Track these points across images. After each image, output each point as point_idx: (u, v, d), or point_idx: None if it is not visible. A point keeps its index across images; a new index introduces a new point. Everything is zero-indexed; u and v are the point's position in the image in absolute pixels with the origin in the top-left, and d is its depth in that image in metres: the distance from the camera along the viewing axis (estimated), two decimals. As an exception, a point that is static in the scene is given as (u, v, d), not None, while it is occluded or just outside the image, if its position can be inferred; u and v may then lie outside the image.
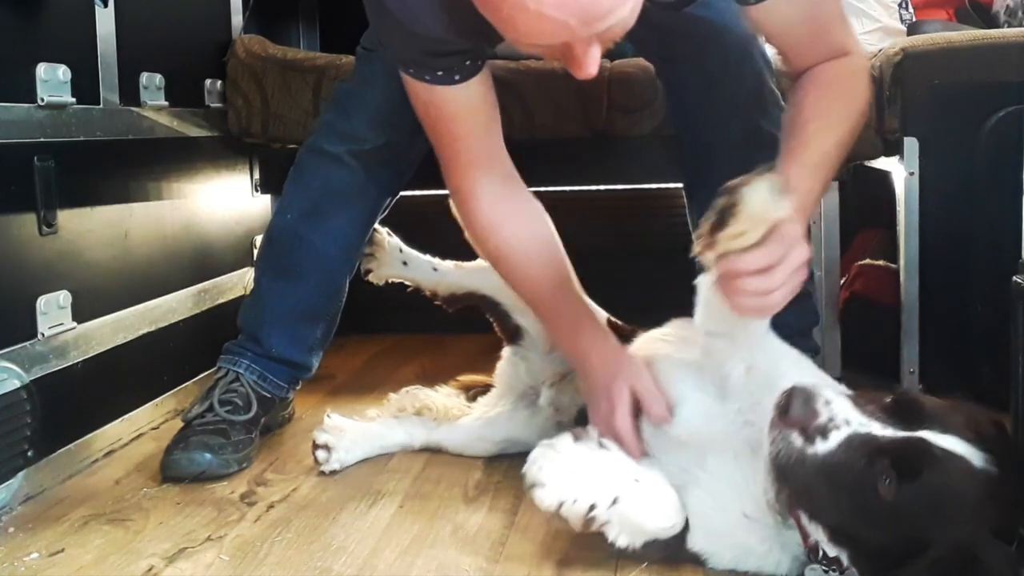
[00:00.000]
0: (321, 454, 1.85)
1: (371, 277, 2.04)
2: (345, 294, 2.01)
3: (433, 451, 1.93)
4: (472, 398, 2.04)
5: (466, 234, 1.65)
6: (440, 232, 1.79)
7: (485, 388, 2.01)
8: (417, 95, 1.56)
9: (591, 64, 1.24)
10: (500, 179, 1.60)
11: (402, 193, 2.05)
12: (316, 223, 1.93)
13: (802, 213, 1.36)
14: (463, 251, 1.91)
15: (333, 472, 1.84)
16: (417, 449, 1.94)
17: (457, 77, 1.50)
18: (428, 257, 2.02)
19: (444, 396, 2.07)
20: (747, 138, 1.78)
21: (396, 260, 2.02)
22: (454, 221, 1.68)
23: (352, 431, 1.89)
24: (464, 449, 1.91)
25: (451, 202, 1.66)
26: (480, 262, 1.90)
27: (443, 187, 1.69)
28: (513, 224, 1.60)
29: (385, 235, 2.03)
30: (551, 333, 1.71)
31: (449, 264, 2.00)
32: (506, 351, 1.95)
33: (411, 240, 2.05)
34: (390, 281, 2.04)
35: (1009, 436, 1.23)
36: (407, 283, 2.04)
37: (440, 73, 1.50)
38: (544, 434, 1.69)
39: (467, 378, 2.15)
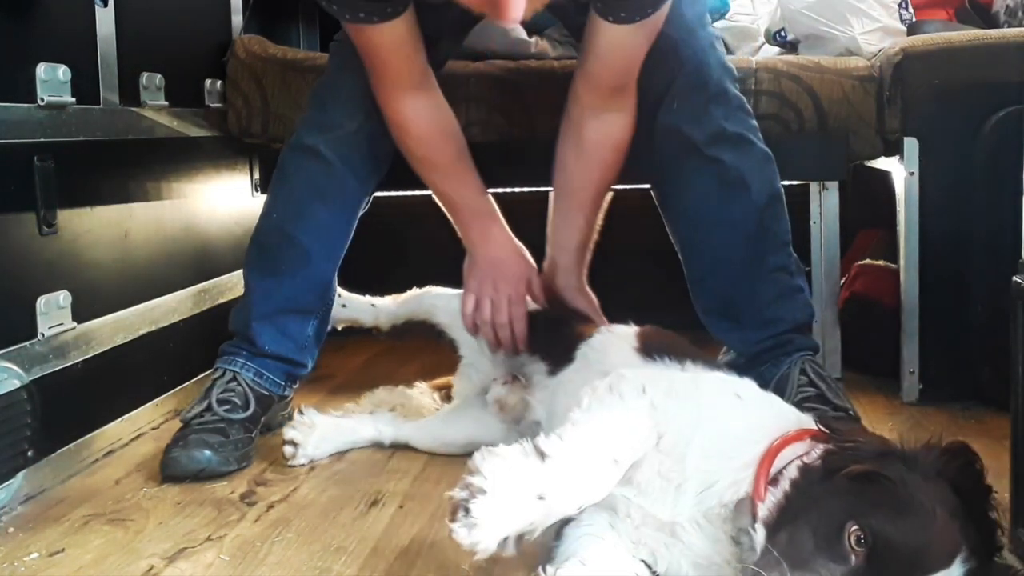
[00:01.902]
0: (288, 449, 1.90)
1: None
2: (335, 291, 2.03)
3: (426, 452, 1.94)
4: (446, 397, 2.07)
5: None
6: (430, 231, 1.81)
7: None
8: (354, 33, 1.78)
9: (515, 9, 1.37)
10: (419, 91, 1.85)
11: (393, 193, 2.06)
12: (299, 219, 1.95)
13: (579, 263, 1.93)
14: (452, 250, 1.91)
15: (301, 466, 1.89)
16: (387, 445, 1.97)
17: (375, 19, 1.71)
18: (366, 297, 2.08)
19: (419, 394, 2.11)
20: (712, 140, 1.87)
21: (336, 304, 2.05)
22: (441, 220, 1.70)
23: (322, 427, 1.93)
24: (430, 448, 1.94)
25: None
26: (412, 292, 2.03)
27: (427, 188, 1.77)
28: (427, 122, 1.87)
29: None
30: (455, 220, 1.93)
31: (386, 300, 2.06)
32: (460, 364, 1.99)
33: (401, 239, 2.06)
34: (338, 327, 2.08)
35: (963, 455, 1.16)
36: (352, 325, 2.09)
37: (362, 15, 1.71)
38: (501, 438, 1.74)
39: (440, 380, 2.18)
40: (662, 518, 1.26)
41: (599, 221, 1.93)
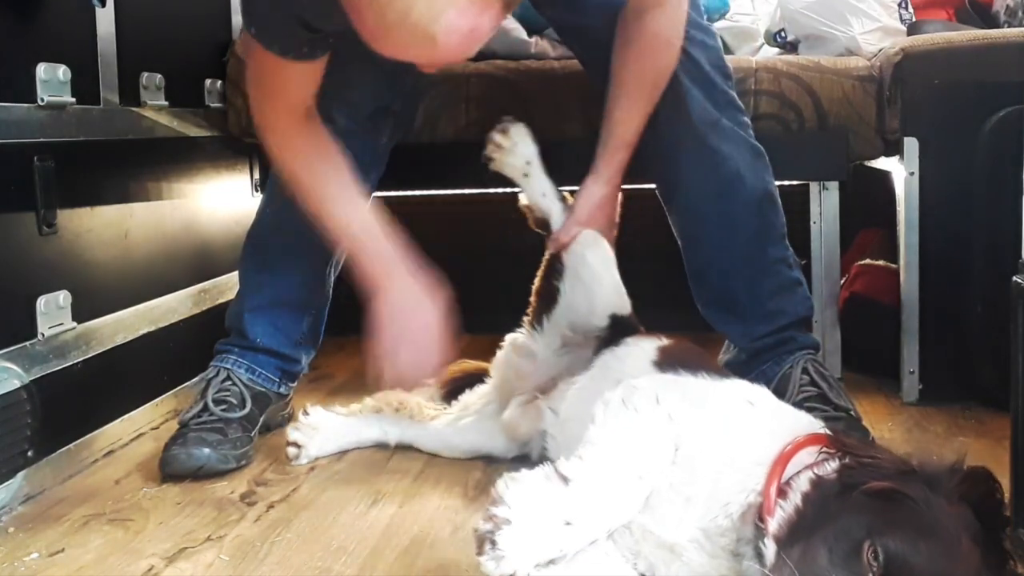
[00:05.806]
0: (291, 451, 1.90)
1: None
2: (330, 288, 2.02)
3: (429, 454, 1.94)
4: (448, 396, 2.06)
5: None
6: (426, 232, 1.80)
7: (462, 382, 2.03)
8: (257, 60, 1.69)
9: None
10: (305, 121, 1.74)
11: (390, 194, 2.06)
12: (292, 213, 1.93)
13: (612, 183, 1.90)
14: (449, 252, 1.91)
15: (302, 466, 1.89)
16: (392, 446, 1.96)
17: (289, 55, 1.61)
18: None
19: (418, 396, 2.09)
20: (710, 130, 1.90)
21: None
22: (437, 222, 1.68)
23: (326, 428, 1.93)
24: (435, 451, 1.93)
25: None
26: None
27: (427, 188, 1.72)
28: (313, 154, 1.75)
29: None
30: (351, 253, 1.77)
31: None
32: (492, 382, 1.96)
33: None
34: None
35: (987, 482, 1.13)
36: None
37: (276, 48, 1.61)
38: (508, 448, 1.82)
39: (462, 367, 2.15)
40: (664, 538, 1.24)
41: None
